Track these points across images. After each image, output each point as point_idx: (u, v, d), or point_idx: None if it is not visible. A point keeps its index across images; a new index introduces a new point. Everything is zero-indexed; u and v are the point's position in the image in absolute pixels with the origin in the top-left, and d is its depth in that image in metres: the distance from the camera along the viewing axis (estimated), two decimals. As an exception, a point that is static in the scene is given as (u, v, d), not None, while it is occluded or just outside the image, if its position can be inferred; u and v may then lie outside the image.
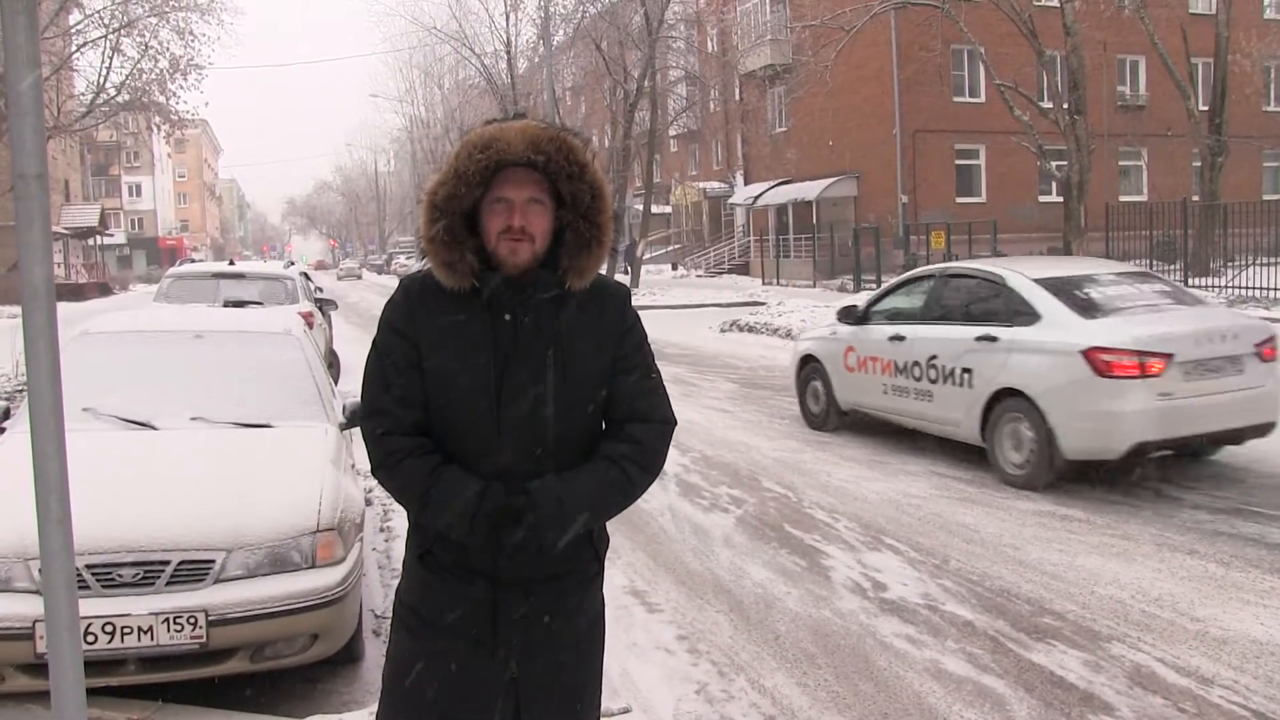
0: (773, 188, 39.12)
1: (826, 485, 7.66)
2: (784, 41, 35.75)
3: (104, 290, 47.13)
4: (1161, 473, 7.62)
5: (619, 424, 2.20)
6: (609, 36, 33.08)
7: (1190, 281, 23.58)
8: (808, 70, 29.69)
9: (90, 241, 56.64)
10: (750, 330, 19.64)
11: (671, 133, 43.10)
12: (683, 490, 7.60)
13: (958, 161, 33.89)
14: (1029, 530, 6.34)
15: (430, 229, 2.11)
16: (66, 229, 50.43)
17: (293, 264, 16.96)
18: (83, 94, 34.60)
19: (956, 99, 33.23)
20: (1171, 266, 24.97)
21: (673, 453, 8.40)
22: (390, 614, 2.28)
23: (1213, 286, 22.37)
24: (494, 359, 2.10)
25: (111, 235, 65.23)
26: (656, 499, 7.33)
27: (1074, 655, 4.46)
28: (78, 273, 49.93)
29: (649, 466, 2.20)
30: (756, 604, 5.25)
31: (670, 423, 2.26)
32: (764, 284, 35.63)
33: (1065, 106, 25.87)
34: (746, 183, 43.09)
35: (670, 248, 50.28)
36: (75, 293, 39.23)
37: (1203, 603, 5.03)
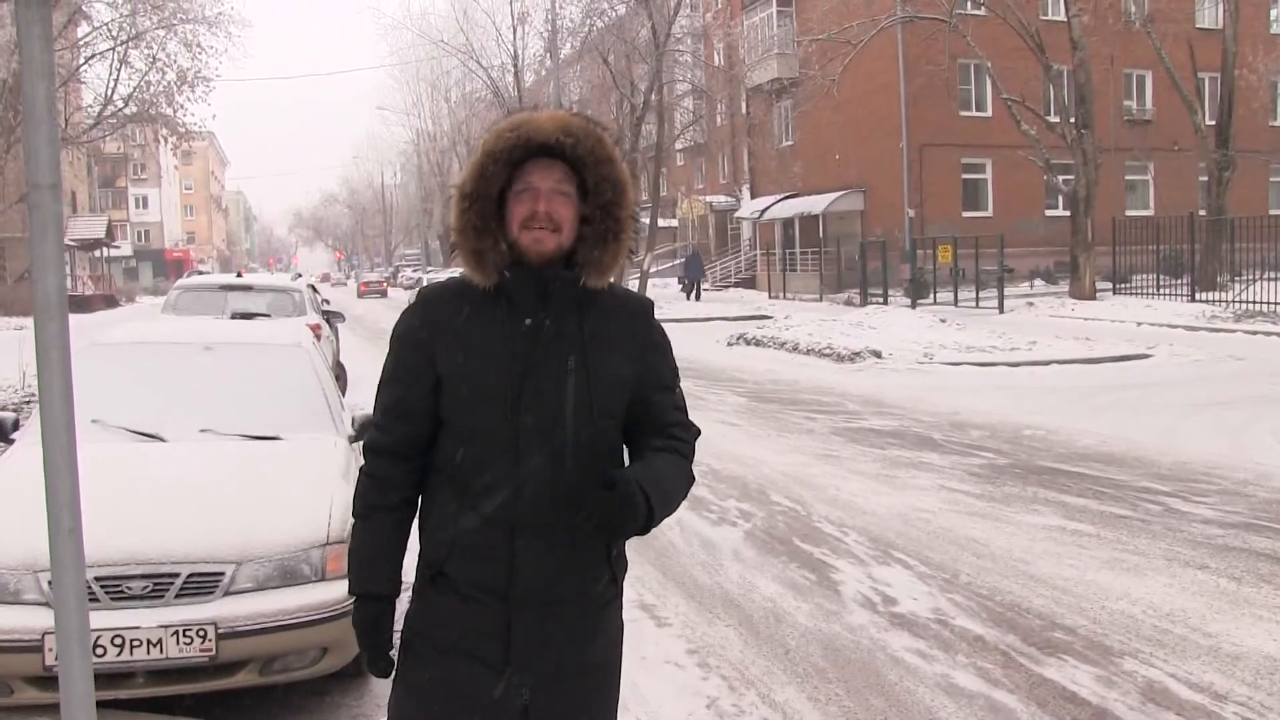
0: (779, 201, 39.12)
1: (835, 499, 7.63)
2: (791, 55, 35.86)
3: (110, 302, 47.25)
4: (1171, 488, 7.60)
5: (655, 436, 2.18)
6: (616, 50, 33.20)
7: (1197, 295, 23.58)
8: (814, 84, 29.84)
9: (97, 253, 56.79)
10: (757, 344, 19.63)
11: (678, 146, 43.13)
12: (691, 503, 7.58)
13: (964, 175, 33.93)
14: (1039, 545, 6.31)
15: (461, 219, 2.08)
16: (73, 240, 50.54)
17: (299, 276, 17.00)
18: (90, 106, 34.72)
19: (963, 113, 33.29)
20: (1178, 281, 24.95)
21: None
22: (399, 636, 2.25)
23: (1220, 301, 22.33)
24: (513, 365, 2.06)
25: (118, 247, 65.45)
26: (664, 512, 7.30)
27: (1086, 671, 4.43)
28: (84, 284, 50.00)
29: (691, 464, 2.24)
30: (766, 618, 5.22)
31: (697, 434, 2.29)
32: (770, 298, 35.67)
33: (1072, 121, 25.95)
34: (753, 196, 43.11)
35: (677, 261, 50.29)
36: (82, 304, 39.29)
37: (1215, 618, 5.00)
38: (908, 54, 31.25)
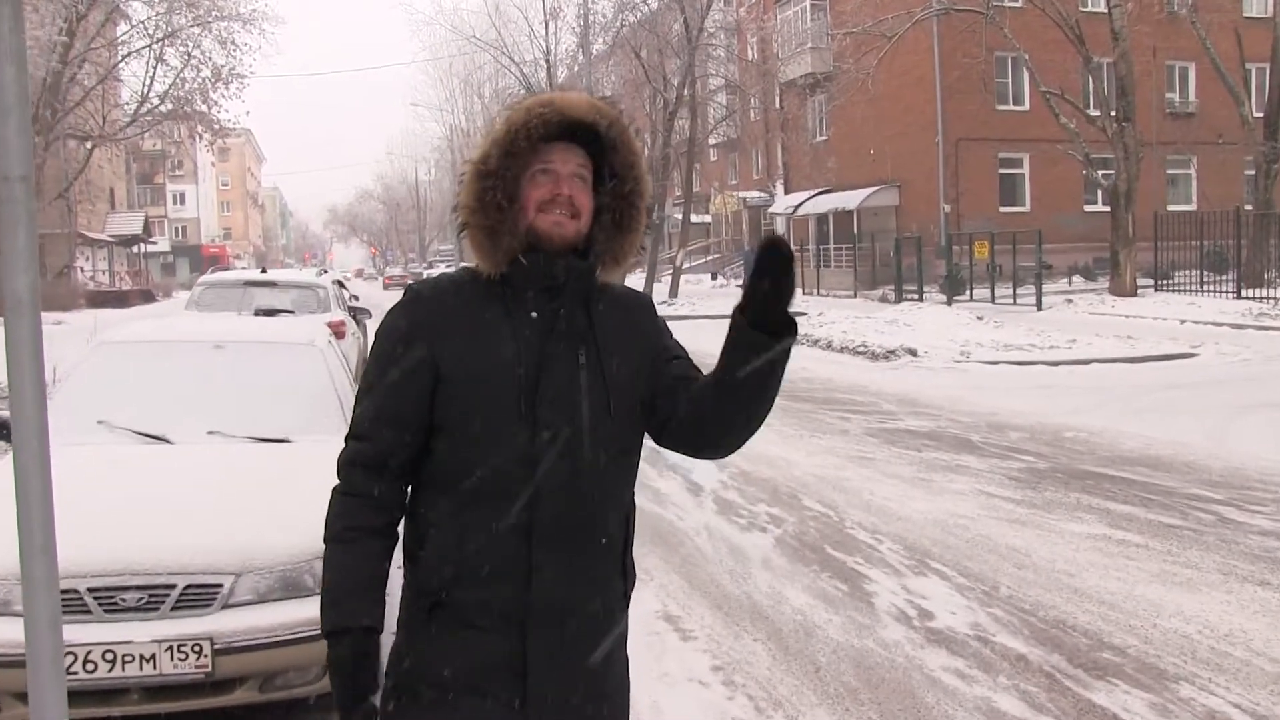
0: (813, 197, 38.77)
1: (869, 504, 7.36)
2: (825, 49, 35.46)
3: (147, 297, 47.50)
4: (1223, 495, 7.27)
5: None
6: (649, 45, 32.98)
7: (1243, 292, 23.01)
8: (848, 78, 29.42)
9: (134, 249, 57.29)
10: (790, 341, 19.31)
11: (711, 141, 42.87)
12: (719, 508, 7.34)
13: (1001, 170, 33.40)
14: (1084, 555, 6.02)
15: (481, 197, 1.90)
16: (112, 236, 51.06)
17: (325, 271, 16.92)
18: (127, 103, 35.03)
19: (1000, 106, 32.75)
20: (1223, 277, 24.38)
21: (709, 468, 8.18)
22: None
23: (1267, 298, 21.78)
24: (522, 360, 1.88)
25: (155, 243, 66.02)
26: (692, 517, 7.08)
27: (1138, 696, 4.15)
28: (122, 279, 50.45)
29: None
30: (796, 632, 4.98)
31: None
32: (804, 294, 35.26)
33: (1113, 114, 25.39)
34: (787, 192, 42.77)
35: (710, 257, 50.04)
36: (119, 300, 39.68)
37: None
38: (943, 47, 30.77)
